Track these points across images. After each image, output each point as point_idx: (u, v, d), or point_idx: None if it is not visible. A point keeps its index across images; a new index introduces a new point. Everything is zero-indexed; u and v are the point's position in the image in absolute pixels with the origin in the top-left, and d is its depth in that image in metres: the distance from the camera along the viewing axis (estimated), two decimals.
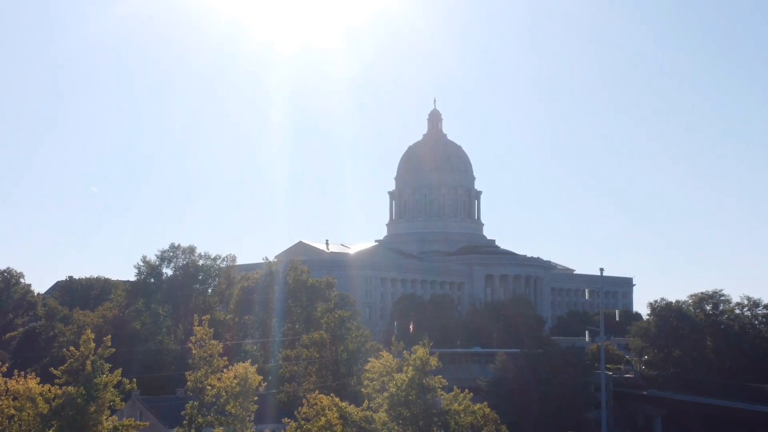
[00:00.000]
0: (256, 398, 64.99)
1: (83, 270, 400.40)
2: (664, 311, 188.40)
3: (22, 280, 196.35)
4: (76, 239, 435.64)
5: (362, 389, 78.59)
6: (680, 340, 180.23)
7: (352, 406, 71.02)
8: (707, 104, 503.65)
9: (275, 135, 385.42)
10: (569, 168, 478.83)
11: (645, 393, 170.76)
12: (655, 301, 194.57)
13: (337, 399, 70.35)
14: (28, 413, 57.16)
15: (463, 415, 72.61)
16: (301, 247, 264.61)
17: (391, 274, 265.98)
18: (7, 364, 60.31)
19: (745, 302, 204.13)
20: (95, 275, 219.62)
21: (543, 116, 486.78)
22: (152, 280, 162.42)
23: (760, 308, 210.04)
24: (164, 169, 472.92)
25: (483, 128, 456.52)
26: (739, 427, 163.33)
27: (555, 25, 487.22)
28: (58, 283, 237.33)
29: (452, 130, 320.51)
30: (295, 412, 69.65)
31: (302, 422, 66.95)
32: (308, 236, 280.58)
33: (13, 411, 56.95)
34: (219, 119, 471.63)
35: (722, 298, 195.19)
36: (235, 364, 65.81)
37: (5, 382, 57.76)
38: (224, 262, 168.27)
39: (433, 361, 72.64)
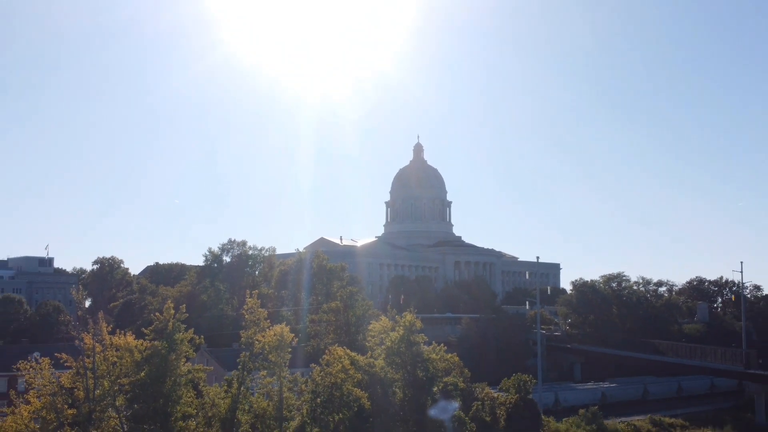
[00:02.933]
0: (289, 350, 64.90)
1: (166, 257, 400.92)
2: (582, 287, 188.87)
3: (122, 265, 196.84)
4: (162, 236, 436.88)
5: (366, 343, 78.55)
6: (594, 308, 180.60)
7: (359, 355, 70.99)
8: (621, 127, 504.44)
9: (304, 159, 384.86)
10: (514, 184, 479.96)
11: (569, 346, 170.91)
12: (576, 280, 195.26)
13: (348, 350, 70.33)
14: (127, 360, 57.17)
15: (438, 362, 72.68)
16: (322, 241, 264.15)
17: (387, 261, 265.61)
18: (111, 326, 60.19)
19: (641, 281, 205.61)
20: (175, 261, 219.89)
21: (496, 147, 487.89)
22: (215, 265, 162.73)
23: (651, 285, 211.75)
24: (225, 185, 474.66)
25: (453, 155, 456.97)
26: (636, 371, 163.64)
27: (506, 81, 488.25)
28: (148, 267, 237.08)
29: (431, 157, 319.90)
30: (320, 360, 69.63)
31: (324, 366, 66.89)
32: (327, 233, 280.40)
33: (115, 359, 56.95)
34: (265, 148, 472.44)
35: (624, 278, 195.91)
36: (274, 325, 65.74)
37: (110, 339, 57.72)
38: (267, 252, 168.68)
39: (418, 323, 72.65)
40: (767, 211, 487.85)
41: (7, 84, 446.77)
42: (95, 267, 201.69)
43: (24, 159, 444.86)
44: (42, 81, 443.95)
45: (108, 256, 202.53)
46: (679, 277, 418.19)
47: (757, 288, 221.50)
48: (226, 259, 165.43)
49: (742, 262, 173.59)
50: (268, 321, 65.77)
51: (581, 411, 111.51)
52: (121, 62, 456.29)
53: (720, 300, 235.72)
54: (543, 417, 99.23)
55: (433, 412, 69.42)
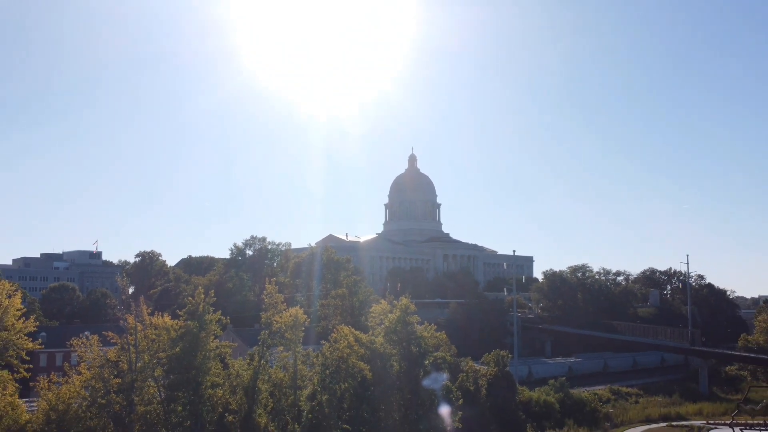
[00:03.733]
0: (303, 329, 64.68)
1: (198, 251, 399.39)
2: (552, 277, 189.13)
3: (160, 258, 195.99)
4: (194, 232, 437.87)
5: (368, 323, 78.34)
6: (562, 294, 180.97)
7: (362, 333, 70.84)
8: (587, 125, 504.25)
9: (315, 168, 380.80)
10: (495, 188, 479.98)
11: (540, 327, 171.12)
12: (547, 271, 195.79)
13: (353, 329, 70.14)
14: (164, 338, 57.03)
15: (429, 339, 72.43)
16: (330, 237, 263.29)
17: (386, 254, 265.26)
18: (150, 309, 60.06)
19: (602, 271, 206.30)
20: (205, 254, 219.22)
21: (480, 157, 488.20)
22: (240, 258, 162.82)
23: (610, 275, 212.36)
24: (248, 189, 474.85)
25: (443, 164, 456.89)
26: (597, 348, 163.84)
27: (488, 100, 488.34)
28: (182, 259, 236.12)
29: (423, 166, 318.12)
30: (328, 337, 69.49)
31: (332, 343, 66.77)
32: (335, 230, 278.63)
33: (154, 336, 56.84)
34: (282, 158, 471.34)
35: (587, 268, 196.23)
36: (290, 308, 65.59)
37: (150, 319, 57.62)
38: (283, 247, 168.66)
39: (412, 307, 72.27)
40: (710, 212, 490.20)
41: (64, 105, 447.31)
42: (137, 259, 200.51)
43: (77, 167, 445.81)
44: (92, 102, 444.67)
45: (148, 250, 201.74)
46: (635, 267, 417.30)
47: (701, 277, 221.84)
48: (249, 252, 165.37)
49: (688, 255, 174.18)
50: (285, 304, 65.59)
51: (551, 381, 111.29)
52: (159, 86, 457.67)
53: (669, 287, 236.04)
54: (518, 386, 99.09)
55: (426, 382, 69.17)
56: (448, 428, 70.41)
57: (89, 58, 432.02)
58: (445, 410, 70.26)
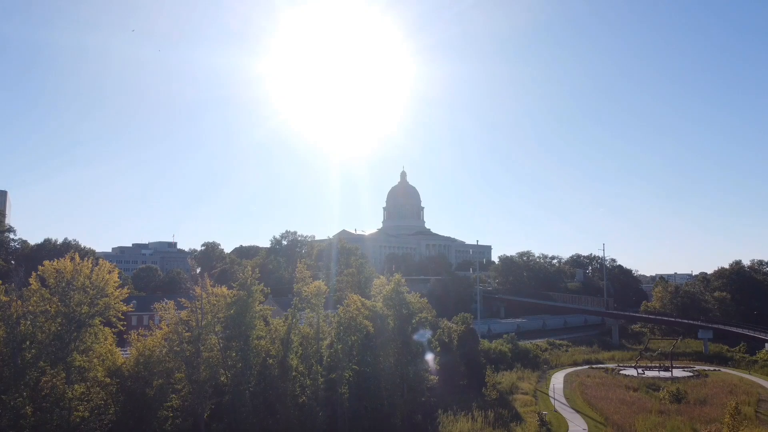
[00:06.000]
0: (324, 297, 64.38)
1: (247, 241, 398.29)
2: (505, 260, 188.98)
3: (219, 246, 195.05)
4: (246, 228, 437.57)
5: (371, 293, 78.07)
6: (512, 273, 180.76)
7: (367, 300, 70.52)
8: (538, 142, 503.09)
9: (334, 183, 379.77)
10: (463, 195, 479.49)
11: (496, 296, 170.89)
12: (501, 255, 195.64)
13: (360, 297, 69.78)
14: (221, 303, 56.56)
15: (415, 304, 72.18)
16: (344, 232, 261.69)
17: (384, 244, 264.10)
18: (212, 283, 59.61)
19: (541, 256, 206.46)
20: (253, 244, 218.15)
21: (452, 175, 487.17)
22: (278, 247, 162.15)
23: (547, 258, 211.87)
24: (284, 198, 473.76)
25: (425, 178, 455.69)
26: (538, 312, 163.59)
27: (456, 138, 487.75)
28: (236, 248, 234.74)
29: (411, 180, 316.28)
30: (343, 303, 69.16)
31: (345, 307, 66.50)
32: (347, 226, 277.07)
33: (215, 302, 56.40)
34: (310, 179, 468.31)
35: (531, 254, 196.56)
36: (314, 282, 65.28)
37: (212, 290, 57.14)
38: (309, 239, 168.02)
39: (403, 281, 72.03)
40: (621, 211, 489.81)
41: (155, 142, 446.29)
42: (203, 247, 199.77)
43: (162, 182, 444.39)
44: (179, 142, 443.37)
45: (211, 240, 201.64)
46: (565, 252, 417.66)
47: (613, 260, 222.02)
48: (284, 242, 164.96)
49: (604, 244, 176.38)
50: (311, 279, 65.31)
51: (504, 336, 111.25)
52: (214, 127, 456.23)
53: (590, 268, 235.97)
54: (480, 339, 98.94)
55: (415, 336, 69.10)
56: (431, 369, 70.33)
57: (167, 103, 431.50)
58: (428, 356, 70.26)
